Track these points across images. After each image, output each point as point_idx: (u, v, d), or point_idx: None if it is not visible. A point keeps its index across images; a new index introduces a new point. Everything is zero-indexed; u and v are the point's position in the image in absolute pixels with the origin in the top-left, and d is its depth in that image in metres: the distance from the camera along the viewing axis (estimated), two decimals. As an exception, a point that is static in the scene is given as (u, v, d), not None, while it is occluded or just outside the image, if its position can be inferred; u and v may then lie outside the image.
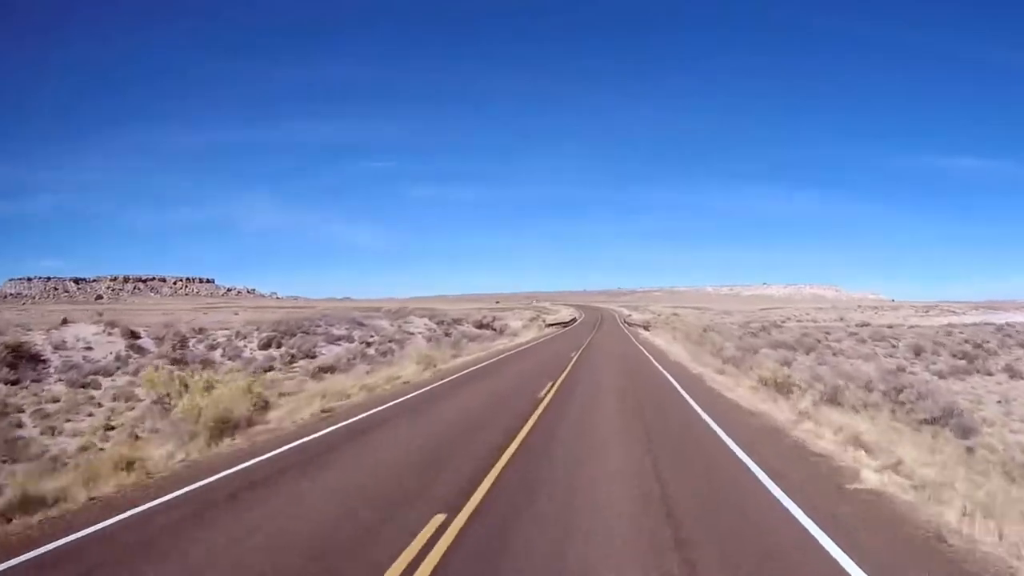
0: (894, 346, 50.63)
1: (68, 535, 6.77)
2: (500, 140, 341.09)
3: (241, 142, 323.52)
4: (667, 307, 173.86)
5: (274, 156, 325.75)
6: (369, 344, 40.88)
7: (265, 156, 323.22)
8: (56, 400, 22.76)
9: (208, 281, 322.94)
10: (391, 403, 16.27)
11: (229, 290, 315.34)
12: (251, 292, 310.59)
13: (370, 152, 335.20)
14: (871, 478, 8.53)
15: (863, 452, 9.96)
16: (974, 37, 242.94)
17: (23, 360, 26.03)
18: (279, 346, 37.01)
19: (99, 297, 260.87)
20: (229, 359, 32.68)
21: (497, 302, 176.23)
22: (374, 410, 15.09)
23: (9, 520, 7.20)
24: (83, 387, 24.80)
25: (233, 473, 9.24)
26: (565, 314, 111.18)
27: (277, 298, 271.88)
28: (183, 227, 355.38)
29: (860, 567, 5.67)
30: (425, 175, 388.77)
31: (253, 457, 10.21)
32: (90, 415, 21.41)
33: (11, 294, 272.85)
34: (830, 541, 6.29)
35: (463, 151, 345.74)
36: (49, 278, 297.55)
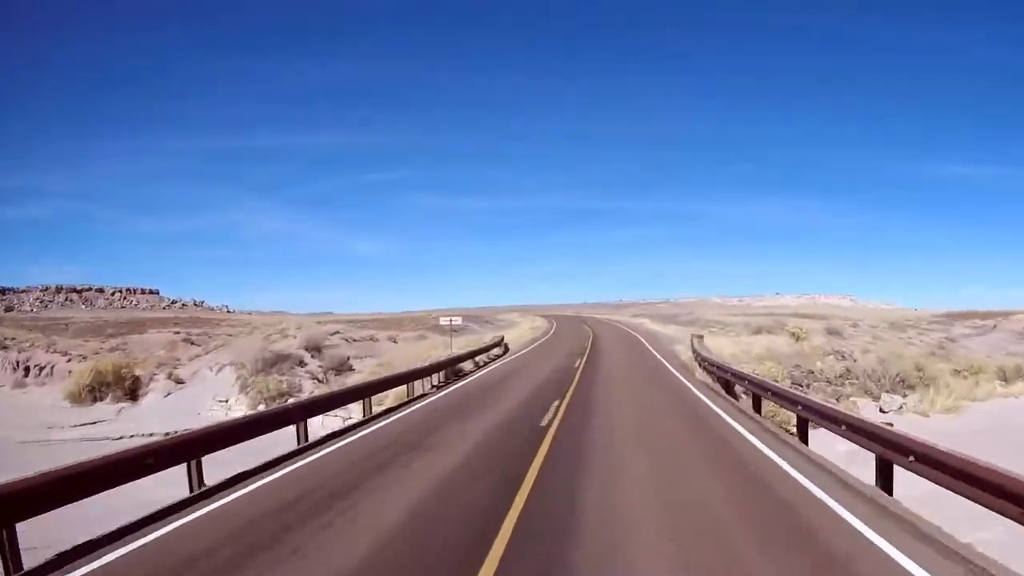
0: None
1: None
2: (495, 145, 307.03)
3: (196, 146, 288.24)
4: (728, 315, 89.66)
5: (242, 161, 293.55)
6: None
7: (233, 162, 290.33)
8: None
9: (152, 292, 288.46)
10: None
11: (174, 302, 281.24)
12: (199, 304, 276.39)
13: (350, 158, 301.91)
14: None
15: None
16: (1000, 40, 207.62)
17: None
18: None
19: (9, 309, 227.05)
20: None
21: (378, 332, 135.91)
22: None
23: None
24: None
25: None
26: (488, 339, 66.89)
27: (228, 311, 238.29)
28: (133, 234, 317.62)
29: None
30: (416, 182, 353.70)
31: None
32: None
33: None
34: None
35: (457, 157, 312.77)
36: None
